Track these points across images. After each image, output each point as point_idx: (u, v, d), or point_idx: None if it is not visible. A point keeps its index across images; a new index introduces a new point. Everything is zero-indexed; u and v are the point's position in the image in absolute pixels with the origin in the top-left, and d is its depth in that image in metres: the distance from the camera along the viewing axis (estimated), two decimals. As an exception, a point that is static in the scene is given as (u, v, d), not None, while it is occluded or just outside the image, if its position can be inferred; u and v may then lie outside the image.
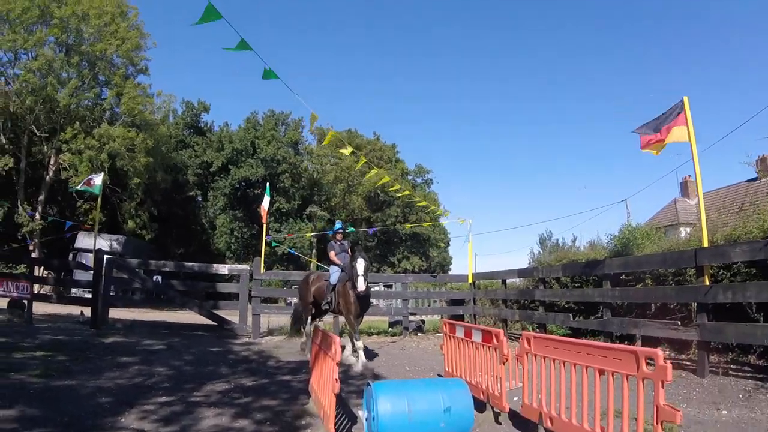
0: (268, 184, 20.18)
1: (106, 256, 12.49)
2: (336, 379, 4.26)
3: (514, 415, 5.35)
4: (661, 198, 55.04)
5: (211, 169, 46.58)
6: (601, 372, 3.88)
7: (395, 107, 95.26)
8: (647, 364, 3.43)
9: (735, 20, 79.65)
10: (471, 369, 6.01)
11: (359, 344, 9.13)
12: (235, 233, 45.71)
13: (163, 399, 6.01)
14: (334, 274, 9.93)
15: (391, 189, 24.44)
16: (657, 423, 3.26)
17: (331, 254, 10.18)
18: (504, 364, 5.23)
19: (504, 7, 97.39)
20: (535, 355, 4.87)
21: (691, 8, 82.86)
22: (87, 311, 13.31)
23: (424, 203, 28.86)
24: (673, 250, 9.11)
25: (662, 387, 3.25)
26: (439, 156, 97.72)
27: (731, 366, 7.56)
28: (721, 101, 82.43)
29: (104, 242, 21.05)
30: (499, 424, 5.35)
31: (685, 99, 7.78)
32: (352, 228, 41.52)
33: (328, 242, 10.91)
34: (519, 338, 5.31)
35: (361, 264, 8.81)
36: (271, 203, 44.76)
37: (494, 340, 5.40)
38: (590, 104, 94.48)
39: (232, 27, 7.65)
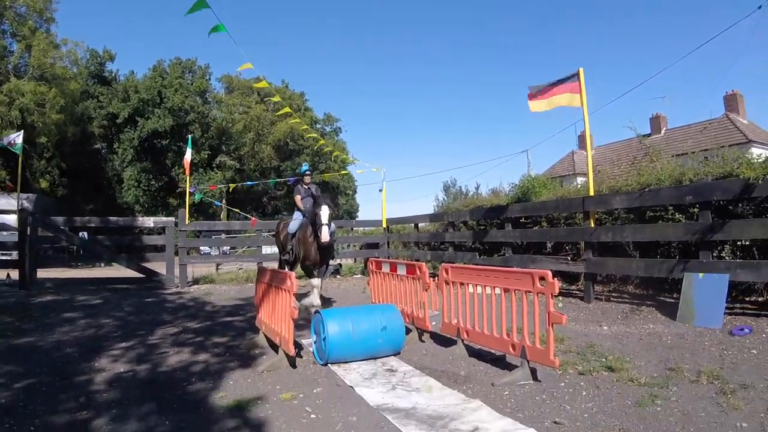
0: (190, 136, 20.08)
1: (31, 216, 12.35)
2: (294, 307, 5.04)
3: (433, 335, 6.48)
4: (561, 149, 58.60)
5: (118, 121, 44.24)
6: (506, 290, 4.98)
7: (304, 55, 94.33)
8: (540, 282, 4.50)
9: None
10: (396, 299, 6.95)
11: (316, 281, 8.54)
12: (143, 186, 44.12)
13: (124, 344, 6.56)
14: (295, 221, 9.34)
15: (308, 135, 24.92)
16: (549, 325, 4.34)
17: (297, 198, 9.54)
18: (427, 291, 6.26)
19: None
20: (453, 282, 5.93)
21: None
22: (12, 273, 13.12)
23: (337, 153, 29.52)
24: (565, 197, 10.37)
25: (552, 298, 4.34)
26: (346, 104, 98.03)
27: (613, 294, 8.97)
28: (628, 64, 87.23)
29: (14, 201, 20.29)
30: (423, 341, 6.45)
31: (581, 70, 8.86)
32: (273, 180, 41.53)
33: (294, 186, 10.09)
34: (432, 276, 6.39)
35: (325, 212, 8.00)
36: (181, 154, 43.78)
37: (418, 272, 6.41)
38: (494, 57, 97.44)
39: None
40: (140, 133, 43.45)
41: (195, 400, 4.38)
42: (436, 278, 6.34)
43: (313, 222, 8.28)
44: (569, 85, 8.98)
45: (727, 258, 7.21)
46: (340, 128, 61.13)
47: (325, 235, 7.95)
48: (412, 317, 6.50)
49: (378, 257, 15.76)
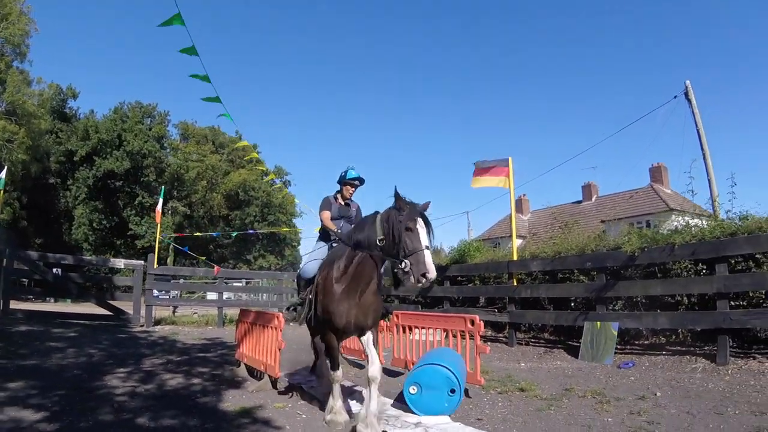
0: (163, 187, 21.05)
1: (8, 249, 13.10)
2: (281, 341, 6.38)
3: (385, 369, 7.66)
4: (500, 212, 62.33)
5: (74, 158, 44.58)
6: (445, 331, 6.62)
7: (256, 109, 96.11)
8: (471, 324, 6.15)
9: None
10: (355, 339, 8.43)
11: (371, 414, 4.74)
12: (94, 225, 44.24)
13: (122, 370, 7.50)
14: (313, 262, 5.89)
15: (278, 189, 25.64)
16: (477, 354, 6.00)
17: (325, 216, 6.18)
18: (380, 332, 7.77)
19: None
20: (402, 325, 7.50)
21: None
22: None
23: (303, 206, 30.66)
24: (494, 260, 12.23)
25: (479, 334, 6.03)
26: (294, 156, 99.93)
27: (532, 339, 10.69)
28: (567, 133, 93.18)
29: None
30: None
31: (510, 159, 10.92)
32: (234, 232, 41.95)
33: (324, 200, 6.40)
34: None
35: (422, 227, 4.61)
36: (134, 196, 44.23)
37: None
38: (440, 125, 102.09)
39: (190, 35, 7.76)
40: (96, 172, 43.78)
41: (208, 408, 5.65)
42: (387, 322, 7.86)
43: (392, 244, 4.67)
44: (501, 169, 10.90)
45: (618, 310, 9.04)
46: (289, 181, 62.17)
47: (431, 270, 4.41)
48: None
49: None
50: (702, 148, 14.35)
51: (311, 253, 6.16)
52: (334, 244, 5.78)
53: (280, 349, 6.41)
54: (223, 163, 53.46)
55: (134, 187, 44.67)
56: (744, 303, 7.55)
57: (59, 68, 76.90)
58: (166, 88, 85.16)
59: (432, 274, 4.37)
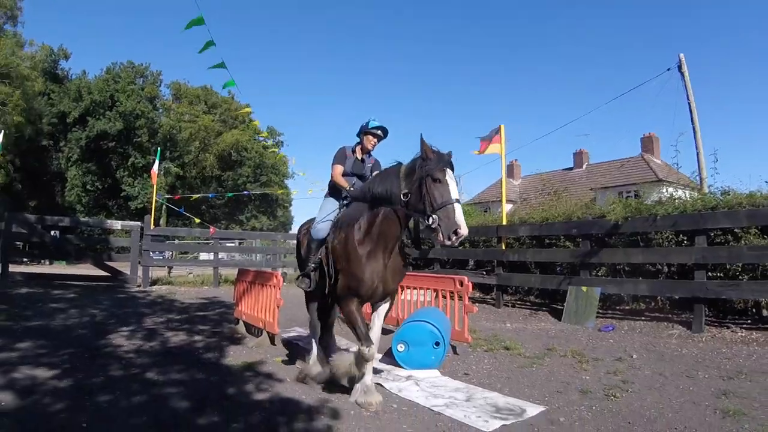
0: (159, 148, 21.13)
1: (7, 212, 13.30)
2: (279, 298, 6.68)
3: None
4: (491, 176, 62.79)
5: (67, 120, 44.18)
6: (435, 291, 6.99)
7: (249, 66, 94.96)
8: (459, 284, 6.50)
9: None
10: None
11: (366, 382, 4.57)
12: (87, 187, 44.14)
13: (125, 329, 7.73)
14: (324, 222, 5.17)
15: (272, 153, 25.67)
16: (465, 313, 6.37)
17: (336, 171, 5.40)
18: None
19: None
20: (394, 285, 7.86)
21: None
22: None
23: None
24: (484, 225, 12.60)
25: (467, 294, 6.39)
26: (289, 116, 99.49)
27: (518, 302, 11.18)
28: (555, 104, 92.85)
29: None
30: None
31: (502, 126, 11.15)
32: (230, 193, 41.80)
33: (337, 152, 5.53)
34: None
35: (451, 177, 4.19)
36: (126, 157, 44.13)
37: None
38: (432, 90, 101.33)
39: (198, 5, 7.02)
40: (88, 133, 43.49)
41: (212, 362, 5.96)
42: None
43: (418, 198, 4.21)
44: (495, 137, 11.15)
45: (601, 276, 9.48)
46: (282, 142, 61.96)
47: (464, 226, 4.01)
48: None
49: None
50: (692, 122, 14.55)
51: (321, 212, 5.32)
52: (345, 202, 5.21)
53: (278, 307, 6.72)
54: (215, 124, 53.11)
55: (127, 148, 44.51)
56: (721, 275, 7.96)
57: (50, 29, 75.70)
58: (158, 48, 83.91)
59: (464, 230, 3.95)
